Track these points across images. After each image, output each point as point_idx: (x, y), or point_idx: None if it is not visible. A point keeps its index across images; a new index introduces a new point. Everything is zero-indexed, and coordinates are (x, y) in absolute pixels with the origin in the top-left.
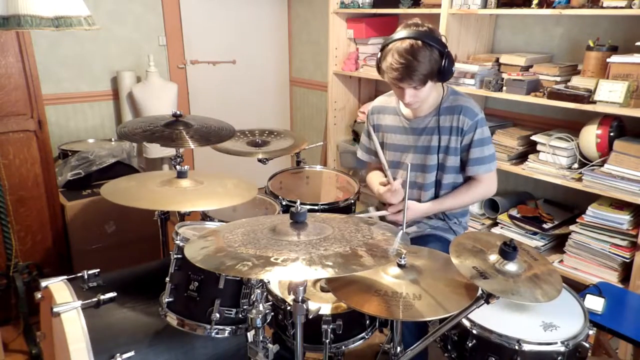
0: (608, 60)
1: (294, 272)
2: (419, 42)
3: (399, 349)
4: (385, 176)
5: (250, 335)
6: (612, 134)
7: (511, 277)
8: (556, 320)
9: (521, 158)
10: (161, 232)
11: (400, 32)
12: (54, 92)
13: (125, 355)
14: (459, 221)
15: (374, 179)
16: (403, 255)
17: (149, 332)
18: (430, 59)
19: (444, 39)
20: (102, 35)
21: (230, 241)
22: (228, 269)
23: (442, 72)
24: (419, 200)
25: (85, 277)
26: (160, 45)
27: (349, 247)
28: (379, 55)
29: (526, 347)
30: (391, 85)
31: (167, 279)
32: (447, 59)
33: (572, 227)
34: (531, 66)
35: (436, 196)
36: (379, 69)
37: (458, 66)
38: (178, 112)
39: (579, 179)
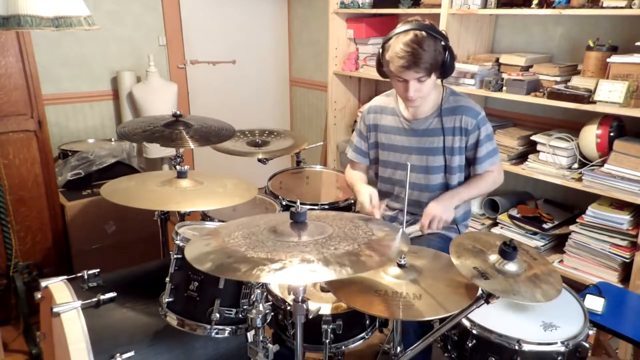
0: (608, 60)
1: (311, 274)
2: (423, 33)
3: (399, 349)
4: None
5: (250, 335)
6: (612, 134)
7: (511, 277)
8: (556, 320)
9: (521, 158)
10: (161, 232)
11: (403, 26)
12: (54, 92)
13: (125, 355)
14: (464, 223)
15: (356, 177)
16: (403, 255)
17: (149, 332)
18: (435, 49)
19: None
20: (102, 35)
21: (234, 245)
22: (245, 275)
23: (445, 66)
24: (424, 202)
25: (85, 277)
26: (160, 45)
27: (357, 244)
28: (380, 52)
29: (526, 347)
30: (394, 80)
31: (167, 279)
32: (449, 53)
33: (572, 227)
34: (531, 66)
35: None
36: (380, 64)
37: (458, 66)
38: (178, 112)
39: (579, 179)
